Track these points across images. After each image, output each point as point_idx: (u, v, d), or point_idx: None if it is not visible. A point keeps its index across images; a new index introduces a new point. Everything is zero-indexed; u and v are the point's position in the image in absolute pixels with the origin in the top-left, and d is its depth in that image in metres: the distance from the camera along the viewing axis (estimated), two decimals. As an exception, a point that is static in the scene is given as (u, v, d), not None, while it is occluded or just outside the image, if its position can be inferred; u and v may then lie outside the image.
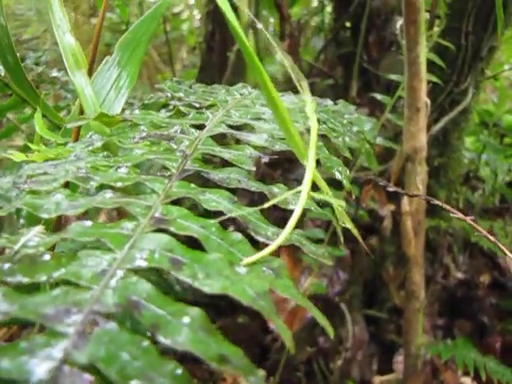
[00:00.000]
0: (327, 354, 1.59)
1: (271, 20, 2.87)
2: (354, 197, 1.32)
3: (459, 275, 1.90)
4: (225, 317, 1.64)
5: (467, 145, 2.09)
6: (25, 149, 1.05)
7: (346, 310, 1.57)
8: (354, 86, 2.05)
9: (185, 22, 3.41)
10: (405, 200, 1.32)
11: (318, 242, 1.48)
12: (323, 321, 0.32)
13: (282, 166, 1.78)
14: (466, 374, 1.44)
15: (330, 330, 0.33)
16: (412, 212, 1.34)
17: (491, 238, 0.56)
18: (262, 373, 0.95)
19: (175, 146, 0.47)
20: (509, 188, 1.82)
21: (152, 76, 2.82)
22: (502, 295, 1.84)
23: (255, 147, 0.51)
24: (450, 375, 1.57)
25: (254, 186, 0.43)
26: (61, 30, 0.60)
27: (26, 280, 0.30)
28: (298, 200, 0.41)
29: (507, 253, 0.54)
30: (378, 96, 1.58)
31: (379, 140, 1.50)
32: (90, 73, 0.65)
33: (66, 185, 0.57)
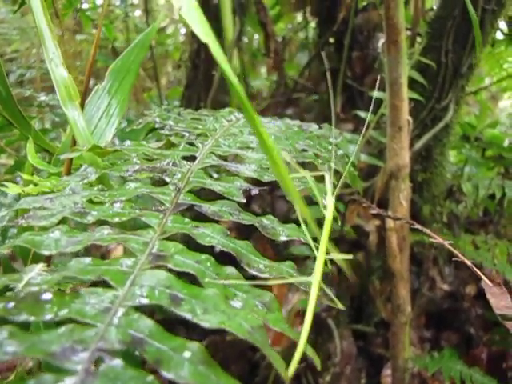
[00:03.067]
0: (316, 370, 1.60)
1: (256, 37, 2.91)
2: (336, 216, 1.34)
3: (445, 287, 1.92)
4: (214, 334, 1.65)
5: (451, 158, 2.13)
6: (12, 170, 1.06)
7: (333, 326, 1.58)
8: (337, 102, 2.08)
9: (170, 37, 3.44)
10: (389, 216, 1.34)
11: (306, 259, 1.50)
12: (310, 352, 0.34)
13: (269, 184, 1.79)
14: (453, 385, 1.46)
15: (317, 360, 0.34)
16: (396, 227, 1.36)
17: (468, 262, 0.58)
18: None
19: (168, 179, 0.49)
20: (491, 201, 1.85)
21: (137, 92, 2.83)
22: (487, 306, 1.85)
23: (245, 178, 0.53)
24: (438, 387, 1.59)
25: (246, 219, 0.44)
26: (54, 63, 0.61)
27: (31, 319, 0.31)
28: (288, 231, 0.43)
29: (484, 278, 0.57)
30: (362, 113, 1.62)
31: (363, 157, 1.53)
32: (83, 102, 0.66)
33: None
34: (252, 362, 1.62)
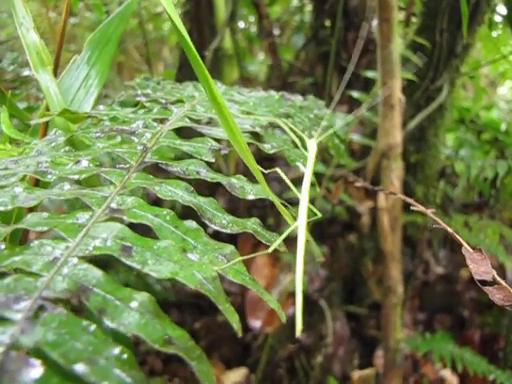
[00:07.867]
0: (309, 351, 1.59)
1: (252, 19, 2.88)
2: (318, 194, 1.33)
3: (439, 270, 1.92)
4: (206, 316, 1.65)
5: (449, 141, 2.12)
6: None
7: (325, 307, 1.58)
8: (333, 84, 2.06)
9: (166, 21, 3.41)
10: (381, 196, 1.33)
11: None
12: (274, 304, 0.33)
13: (260, 165, 1.78)
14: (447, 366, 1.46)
15: (283, 316, 0.33)
16: (388, 208, 1.35)
17: (450, 229, 0.57)
18: (244, 370, 0.96)
19: (136, 140, 0.48)
20: (485, 182, 1.83)
21: (134, 77, 2.81)
22: (481, 289, 1.85)
23: (219, 140, 0.52)
24: (430, 368, 1.59)
25: (213, 177, 0.43)
26: (24, 28, 0.60)
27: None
28: (256, 190, 0.42)
29: (464, 244, 0.55)
30: (355, 94, 1.60)
31: (356, 137, 1.52)
32: (56, 71, 0.65)
33: (37, 182, 0.57)
34: (244, 344, 1.62)
